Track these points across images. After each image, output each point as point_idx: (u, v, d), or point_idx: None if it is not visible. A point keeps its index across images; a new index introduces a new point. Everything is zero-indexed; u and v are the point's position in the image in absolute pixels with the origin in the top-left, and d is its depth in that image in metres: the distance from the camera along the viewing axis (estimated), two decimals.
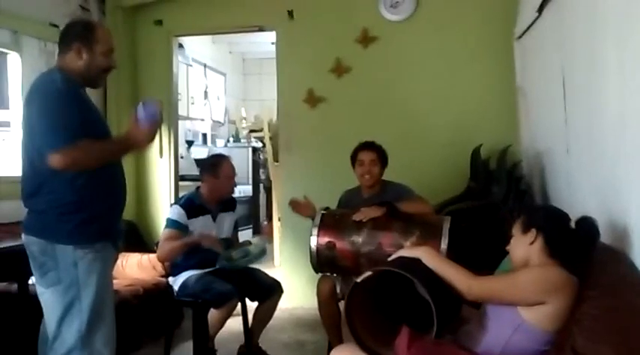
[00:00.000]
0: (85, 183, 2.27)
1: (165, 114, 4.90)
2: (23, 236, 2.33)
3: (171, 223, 3.36)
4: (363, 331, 2.09)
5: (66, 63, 2.35)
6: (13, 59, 3.93)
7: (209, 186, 3.48)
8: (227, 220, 3.59)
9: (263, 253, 3.53)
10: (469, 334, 2.02)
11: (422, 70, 4.58)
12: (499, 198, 3.75)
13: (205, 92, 7.57)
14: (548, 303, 1.81)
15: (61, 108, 2.21)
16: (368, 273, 2.09)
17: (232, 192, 3.61)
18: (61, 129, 2.17)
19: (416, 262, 2.08)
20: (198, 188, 3.54)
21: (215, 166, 3.48)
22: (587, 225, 1.95)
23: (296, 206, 3.44)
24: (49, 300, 2.28)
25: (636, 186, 1.89)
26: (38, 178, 2.26)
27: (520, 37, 4.07)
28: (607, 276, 1.83)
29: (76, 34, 2.37)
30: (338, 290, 3.24)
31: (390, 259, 2.22)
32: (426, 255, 2.10)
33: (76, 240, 2.26)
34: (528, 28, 3.74)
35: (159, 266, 3.86)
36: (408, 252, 2.20)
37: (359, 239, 2.97)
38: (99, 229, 2.33)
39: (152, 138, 2.38)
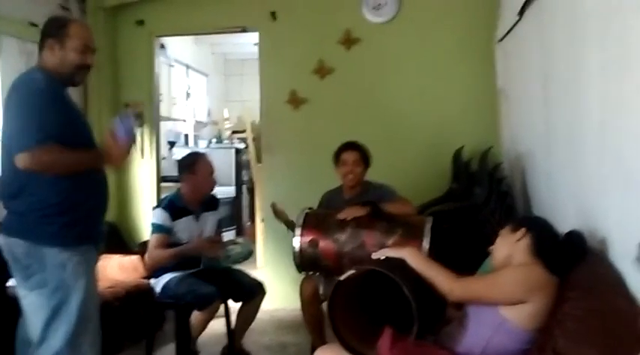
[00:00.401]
0: (68, 185, 2.24)
1: (146, 115, 4.93)
2: (2, 238, 2.29)
3: (157, 228, 3.34)
4: (346, 331, 2.10)
5: (43, 61, 2.33)
6: None
7: (189, 185, 3.46)
8: (210, 220, 3.57)
9: (250, 254, 3.52)
10: (450, 334, 2.03)
11: (404, 71, 4.59)
12: (481, 199, 3.77)
13: (187, 93, 7.54)
14: (529, 302, 1.83)
15: (39, 108, 2.19)
16: (351, 272, 2.09)
17: (212, 188, 3.58)
18: (34, 130, 2.15)
19: (400, 262, 2.09)
20: (179, 189, 3.52)
21: (192, 164, 3.46)
22: (576, 237, 1.98)
23: (277, 211, 3.54)
24: (34, 303, 2.23)
25: (615, 188, 1.91)
26: (20, 180, 2.22)
27: (501, 39, 4.10)
28: (587, 277, 1.85)
29: (49, 30, 2.35)
30: (321, 291, 3.25)
31: (373, 258, 2.23)
32: (410, 256, 2.11)
33: (61, 241, 2.23)
34: (509, 30, 3.77)
35: (140, 267, 3.83)
36: (392, 252, 2.21)
37: (342, 237, 2.98)
38: (83, 232, 2.31)
39: (127, 155, 2.42)
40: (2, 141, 2.32)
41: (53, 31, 2.34)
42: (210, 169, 3.50)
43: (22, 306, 2.28)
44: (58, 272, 2.21)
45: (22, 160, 2.14)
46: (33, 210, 2.23)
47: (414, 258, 2.11)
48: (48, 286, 2.20)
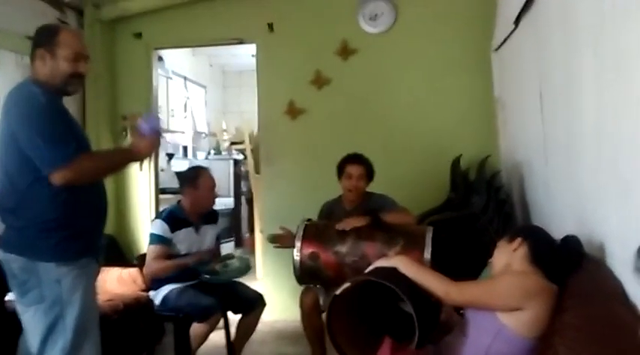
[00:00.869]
0: (67, 199, 2.20)
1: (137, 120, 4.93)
2: (1, 253, 2.26)
3: (156, 238, 3.34)
4: (346, 342, 2.09)
5: (35, 72, 2.28)
6: None
7: (190, 198, 3.46)
8: (210, 233, 3.57)
9: (248, 268, 3.50)
10: (450, 344, 2.03)
11: (401, 81, 4.61)
12: (479, 208, 3.77)
13: (185, 105, 7.56)
14: (526, 309, 1.83)
15: (50, 122, 2.16)
16: (346, 285, 2.09)
17: (213, 204, 3.59)
18: (62, 144, 2.13)
19: (393, 271, 2.08)
20: (179, 201, 3.52)
21: (195, 179, 3.47)
22: (572, 243, 1.98)
23: (277, 239, 3.41)
24: (32, 320, 2.20)
25: (614, 195, 1.91)
26: (17, 194, 2.19)
27: (497, 48, 4.12)
28: (587, 285, 1.84)
29: (39, 39, 2.29)
30: (321, 302, 3.24)
31: (367, 271, 2.22)
32: (401, 264, 2.11)
33: (59, 256, 2.19)
34: (505, 39, 3.79)
35: (139, 280, 3.82)
36: (383, 261, 2.21)
37: (343, 249, 2.97)
38: (83, 245, 2.28)
39: (153, 150, 2.42)
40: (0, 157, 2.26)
41: (43, 39, 2.28)
42: (211, 184, 3.51)
43: (22, 321, 2.24)
44: (54, 287, 2.17)
45: (60, 177, 2.11)
46: (30, 226, 2.19)
47: (406, 265, 2.10)
48: (45, 302, 2.17)
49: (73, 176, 2.14)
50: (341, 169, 3.42)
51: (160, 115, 2.57)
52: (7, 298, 2.98)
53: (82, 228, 2.28)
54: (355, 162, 3.39)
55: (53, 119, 2.18)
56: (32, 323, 2.20)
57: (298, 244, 3.02)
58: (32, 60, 2.30)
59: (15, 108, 2.19)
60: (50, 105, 2.20)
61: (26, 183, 2.16)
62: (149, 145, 2.36)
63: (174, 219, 3.39)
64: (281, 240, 3.37)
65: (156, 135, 2.39)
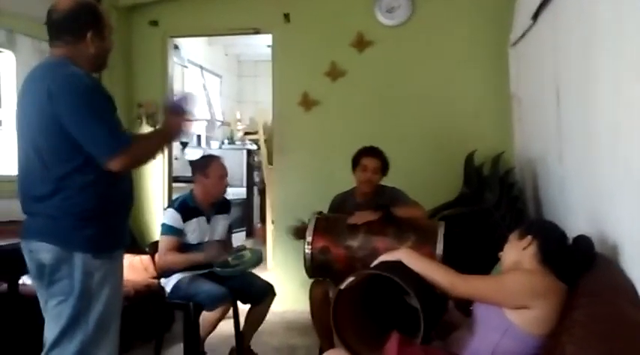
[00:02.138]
0: (105, 188, 2.13)
1: (159, 116, 4.95)
2: (26, 241, 2.17)
3: (168, 229, 3.35)
4: (352, 337, 2.09)
5: (76, 52, 2.16)
6: (7, 58, 3.92)
7: (201, 187, 3.48)
8: (221, 223, 3.58)
9: (260, 260, 3.48)
10: (458, 340, 2.03)
11: (416, 75, 4.59)
12: (492, 204, 3.76)
13: (204, 93, 7.57)
14: (532, 308, 1.82)
15: (105, 107, 2.10)
16: (351, 279, 2.08)
17: (224, 192, 3.58)
18: (115, 130, 2.09)
19: (399, 264, 2.07)
20: (192, 190, 3.54)
21: (205, 167, 3.48)
22: (584, 243, 1.96)
23: (296, 232, 3.36)
24: (55, 310, 2.12)
25: (628, 195, 1.90)
26: (53, 182, 2.09)
27: (515, 43, 4.09)
28: (597, 284, 1.83)
29: (87, 20, 2.17)
30: (331, 295, 3.23)
31: (372, 265, 2.21)
32: (406, 257, 2.10)
33: (96, 247, 2.12)
34: (523, 35, 3.75)
35: (151, 267, 3.84)
36: (388, 255, 2.20)
37: (354, 243, 2.96)
38: (117, 236, 2.23)
39: (184, 129, 2.35)
40: (28, 140, 2.17)
41: (91, 20, 2.19)
42: (222, 173, 3.50)
43: (43, 310, 2.18)
44: (86, 279, 2.10)
45: (120, 163, 2.06)
46: (67, 214, 2.09)
47: (411, 258, 2.09)
48: (72, 294, 2.09)
49: (131, 161, 2.12)
50: (356, 161, 3.41)
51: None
52: (20, 281, 3.02)
53: (117, 218, 2.23)
54: (371, 155, 3.38)
55: (106, 103, 2.12)
56: (55, 313, 2.12)
57: (309, 238, 3.01)
58: (72, 41, 2.17)
59: (63, 91, 2.06)
60: (99, 88, 2.15)
61: (65, 171, 2.08)
62: (182, 120, 2.32)
63: (186, 208, 3.40)
64: (300, 233, 3.34)
65: (187, 110, 2.34)
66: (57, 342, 2.11)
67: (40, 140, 2.11)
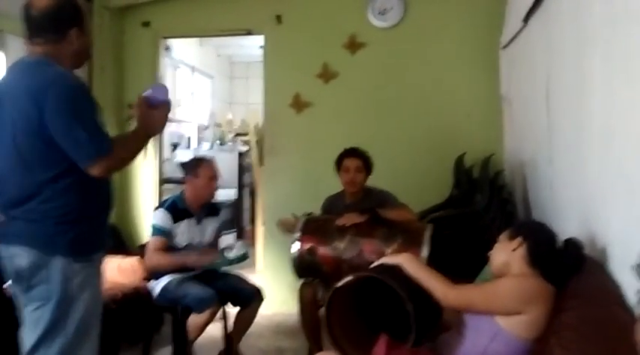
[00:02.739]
0: (84, 193, 2.09)
1: (134, 112, 4.91)
2: (5, 246, 2.11)
3: (157, 230, 3.33)
4: (343, 337, 2.09)
5: (58, 50, 2.10)
6: None
7: (191, 188, 3.46)
8: (211, 225, 3.57)
9: (245, 256, 3.50)
10: (447, 343, 2.02)
11: (408, 77, 4.58)
12: (481, 206, 3.76)
13: (192, 94, 7.54)
14: (525, 313, 1.82)
15: (89, 110, 2.05)
16: (348, 278, 2.08)
17: (213, 195, 3.55)
18: (98, 135, 2.03)
19: (396, 269, 2.07)
20: (182, 191, 3.52)
21: (195, 168, 3.46)
22: (573, 246, 1.96)
23: (284, 224, 3.38)
24: (33, 315, 2.07)
25: (618, 198, 1.89)
26: (35, 185, 2.04)
27: (506, 46, 4.09)
28: (585, 286, 1.83)
29: (69, 17, 2.13)
30: (319, 297, 3.23)
31: (371, 267, 2.22)
32: (406, 262, 2.10)
33: (76, 251, 2.07)
34: (514, 37, 3.76)
35: (139, 270, 3.81)
36: (389, 259, 2.20)
37: (341, 245, 2.97)
38: (98, 239, 2.18)
39: (165, 122, 2.26)
40: (6, 143, 2.08)
41: (75, 17, 2.14)
42: (211, 174, 3.48)
43: (21, 316, 2.13)
44: (65, 283, 2.04)
45: (103, 167, 2.02)
46: (47, 218, 2.04)
47: (410, 263, 2.09)
48: (51, 299, 2.04)
49: (114, 165, 2.08)
50: (339, 164, 3.44)
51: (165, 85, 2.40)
52: (5, 285, 2.98)
53: (97, 221, 2.18)
54: (351, 156, 3.41)
55: (89, 105, 2.07)
56: (33, 318, 2.07)
57: (297, 238, 3.02)
58: (53, 39, 2.10)
59: (47, 92, 1.99)
60: (83, 89, 2.10)
61: (49, 175, 2.02)
62: (162, 116, 2.23)
63: (176, 209, 3.38)
64: (288, 226, 3.34)
65: (166, 105, 2.24)
66: (35, 348, 2.05)
67: (22, 144, 2.05)
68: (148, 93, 2.22)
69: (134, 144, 2.22)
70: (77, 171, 2.04)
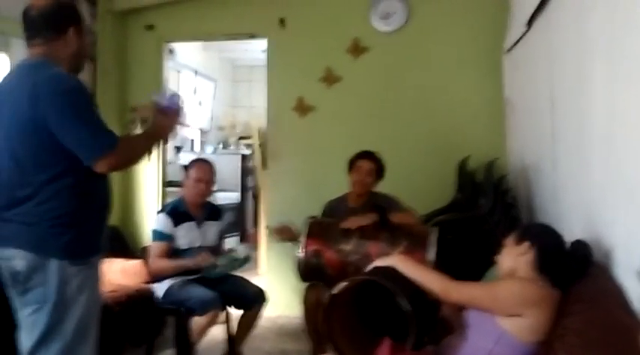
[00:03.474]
0: (82, 192, 2.08)
1: (150, 117, 4.93)
2: None
3: (158, 235, 3.34)
4: (344, 342, 2.08)
5: (56, 50, 2.12)
6: (1, 60, 3.91)
7: (186, 190, 3.50)
8: (212, 229, 3.57)
9: (247, 260, 3.51)
10: (451, 346, 2.02)
11: (411, 81, 4.59)
12: (485, 210, 3.75)
13: (198, 99, 7.55)
14: (525, 316, 1.81)
15: (91, 108, 2.07)
16: (344, 284, 2.08)
17: (201, 196, 3.50)
18: (101, 131, 2.04)
19: (391, 270, 2.07)
20: (183, 194, 3.53)
21: (187, 169, 3.50)
22: (581, 249, 1.95)
23: (275, 231, 3.39)
24: (29, 319, 2.05)
25: (622, 203, 1.89)
26: (29, 187, 2.03)
27: (509, 50, 4.10)
28: (590, 290, 1.83)
29: (68, 16, 2.17)
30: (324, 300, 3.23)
31: (366, 270, 2.21)
32: (399, 263, 2.10)
33: (73, 254, 2.05)
34: (517, 41, 3.76)
35: (142, 272, 3.82)
36: (381, 261, 2.20)
37: (346, 247, 2.97)
38: (95, 242, 2.16)
39: (175, 128, 2.31)
40: (4, 143, 2.09)
41: (73, 17, 2.18)
42: (198, 176, 3.46)
43: (18, 319, 2.11)
44: (61, 287, 2.02)
45: (107, 164, 2.02)
46: (42, 220, 2.02)
47: (404, 264, 2.09)
48: (48, 302, 2.02)
49: (118, 162, 2.07)
50: (352, 163, 3.46)
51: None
52: None
53: (94, 223, 2.16)
54: (366, 158, 3.43)
55: (91, 103, 2.09)
56: (29, 322, 2.05)
57: (302, 241, 3.02)
58: (51, 39, 2.12)
59: (47, 93, 2.00)
60: (83, 88, 2.09)
61: (45, 176, 2.02)
62: (171, 121, 2.28)
63: (176, 213, 3.39)
64: (279, 233, 3.36)
65: (176, 111, 2.31)
66: (33, 351, 2.04)
67: (18, 145, 2.05)
68: (157, 97, 2.27)
69: (141, 144, 2.24)
70: (73, 173, 2.04)
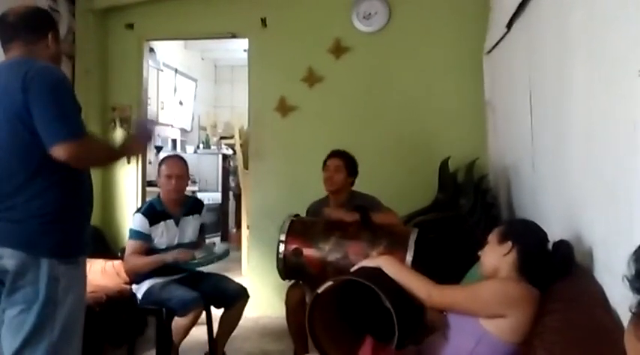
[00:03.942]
0: (67, 193, 2.08)
1: (133, 119, 4.90)
2: None
3: (135, 234, 3.31)
4: (327, 340, 2.08)
5: (36, 53, 2.15)
6: None
7: (160, 188, 3.48)
8: (191, 224, 3.51)
9: (226, 253, 3.49)
10: (432, 346, 2.03)
11: (393, 81, 4.61)
12: (466, 210, 3.78)
13: (178, 99, 7.52)
14: (508, 317, 1.82)
15: (69, 97, 2.09)
16: (329, 283, 2.08)
17: (176, 192, 3.44)
18: (73, 119, 2.05)
19: (377, 271, 2.08)
20: (159, 193, 3.50)
21: (159, 166, 3.48)
22: (563, 249, 1.97)
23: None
24: (16, 319, 2.02)
25: (600, 203, 1.92)
26: (14, 184, 2.02)
27: (489, 51, 4.13)
28: (570, 290, 1.85)
29: (46, 20, 2.26)
30: (307, 300, 3.23)
31: (351, 270, 2.22)
32: (386, 264, 2.10)
33: (63, 252, 2.06)
34: (497, 43, 3.79)
35: (123, 273, 3.79)
36: (368, 261, 2.21)
37: (326, 246, 2.97)
38: (81, 242, 2.16)
39: (143, 149, 2.49)
40: None
41: (51, 22, 2.27)
42: (169, 172, 3.41)
43: (1, 319, 2.07)
44: (51, 286, 2.02)
45: (66, 151, 1.98)
46: (31, 217, 2.02)
47: (391, 265, 2.10)
48: (37, 301, 2.01)
49: (78, 153, 2.02)
50: (324, 164, 3.49)
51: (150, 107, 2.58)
52: None
53: (81, 222, 2.17)
54: (333, 156, 3.48)
55: (72, 99, 2.11)
56: (16, 322, 2.02)
57: (283, 239, 3.02)
58: (32, 41, 2.17)
59: (36, 79, 2.03)
60: (69, 84, 2.17)
61: (29, 172, 2.02)
62: (142, 145, 2.43)
63: (153, 212, 3.35)
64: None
65: (149, 136, 2.46)
66: (19, 351, 2.01)
67: (3, 139, 2.05)
68: (143, 118, 2.45)
69: (104, 151, 2.32)
70: (60, 169, 2.04)
